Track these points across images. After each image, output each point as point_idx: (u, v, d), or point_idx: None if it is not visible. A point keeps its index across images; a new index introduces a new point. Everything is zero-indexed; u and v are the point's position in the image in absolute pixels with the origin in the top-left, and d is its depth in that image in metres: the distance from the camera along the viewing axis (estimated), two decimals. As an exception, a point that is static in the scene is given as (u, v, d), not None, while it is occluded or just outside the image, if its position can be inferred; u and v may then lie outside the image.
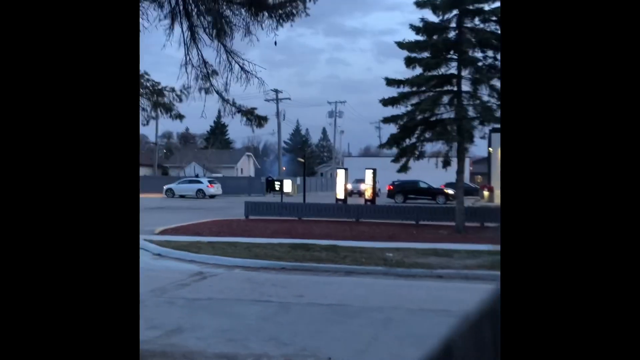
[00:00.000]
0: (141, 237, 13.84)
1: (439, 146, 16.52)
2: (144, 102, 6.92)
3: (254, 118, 6.92)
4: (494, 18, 15.39)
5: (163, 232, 15.14)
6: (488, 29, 15.57)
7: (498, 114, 14.01)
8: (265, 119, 7.06)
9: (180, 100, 6.98)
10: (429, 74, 16.08)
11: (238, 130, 67.10)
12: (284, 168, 55.14)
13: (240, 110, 6.82)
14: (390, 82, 16.41)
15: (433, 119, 16.38)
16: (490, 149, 33.86)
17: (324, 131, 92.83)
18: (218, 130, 71.91)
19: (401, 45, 16.23)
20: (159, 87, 7.03)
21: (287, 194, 33.29)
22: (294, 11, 6.15)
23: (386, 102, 16.48)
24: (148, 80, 6.99)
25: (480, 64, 15.69)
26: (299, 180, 44.17)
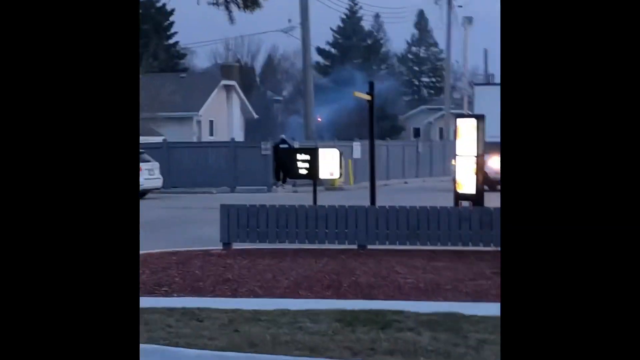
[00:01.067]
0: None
1: None
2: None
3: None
4: None
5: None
6: None
7: None
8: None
9: None
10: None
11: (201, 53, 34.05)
12: (319, 118, 26.50)
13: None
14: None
15: None
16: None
17: (421, 20, 41.40)
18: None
19: None
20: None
21: (331, 184, 17.69)
22: None
23: None
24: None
25: None
26: (356, 147, 21.22)
